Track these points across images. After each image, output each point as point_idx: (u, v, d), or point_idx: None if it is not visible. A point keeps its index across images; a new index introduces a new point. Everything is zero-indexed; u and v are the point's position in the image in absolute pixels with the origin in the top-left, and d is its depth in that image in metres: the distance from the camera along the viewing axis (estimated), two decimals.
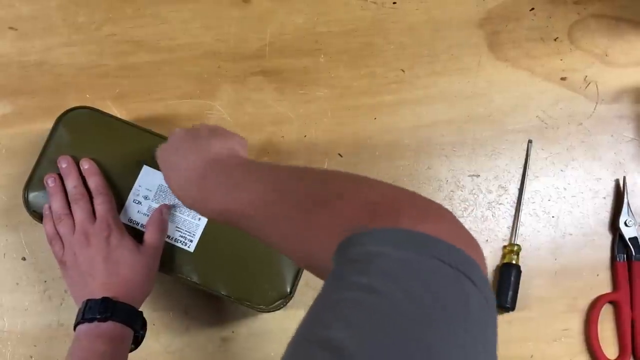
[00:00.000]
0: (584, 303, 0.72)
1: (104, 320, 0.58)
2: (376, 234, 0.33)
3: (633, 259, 0.72)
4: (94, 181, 0.65)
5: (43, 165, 0.67)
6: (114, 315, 0.58)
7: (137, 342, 0.62)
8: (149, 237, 0.64)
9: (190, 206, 0.54)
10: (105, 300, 0.59)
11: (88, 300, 0.59)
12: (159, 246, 0.65)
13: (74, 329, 0.60)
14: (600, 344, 0.70)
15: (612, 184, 0.75)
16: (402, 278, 0.31)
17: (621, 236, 0.73)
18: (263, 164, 0.55)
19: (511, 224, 0.74)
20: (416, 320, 0.29)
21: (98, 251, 0.61)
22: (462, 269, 0.32)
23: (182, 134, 0.59)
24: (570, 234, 0.73)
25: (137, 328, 0.61)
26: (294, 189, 0.44)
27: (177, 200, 0.67)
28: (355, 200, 0.38)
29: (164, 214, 0.66)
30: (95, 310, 0.58)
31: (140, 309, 0.62)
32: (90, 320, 0.58)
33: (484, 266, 0.35)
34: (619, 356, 0.71)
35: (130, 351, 0.61)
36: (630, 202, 0.73)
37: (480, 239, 0.73)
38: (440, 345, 0.28)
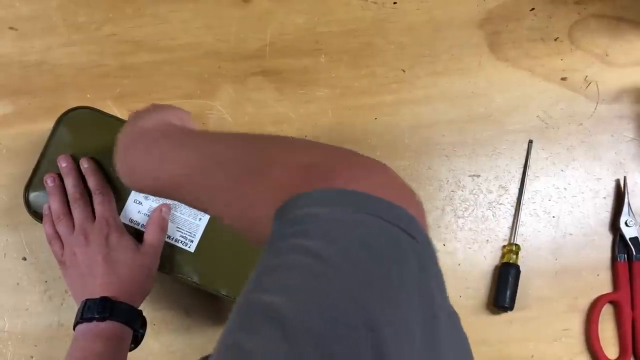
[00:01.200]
0: (585, 303, 0.72)
1: (103, 319, 0.58)
2: (313, 195, 0.33)
3: (633, 258, 0.72)
4: (93, 180, 0.65)
5: (44, 165, 0.67)
6: (113, 314, 0.58)
7: (137, 341, 0.62)
8: (149, 236, 0.64)
9: (128, 184, 0.52)
10: (103, 299, 0.59)
11: (87, 300, 0.59)
12: (158, 245, 0.65)
13: (74, 328, 0.60)
14: (601, 344, 0.70)
15: (613, 184, 0.75)
16: (339, 239, 0.30)
17: (622, 236, 0.72)
18: (197, 133, 0.52)
19: (511, 224, 0.74)
20: (354, 280, 0.29)
21: (97, 251, 0.61)
22: (401, 225, 0.31)
23: (131, 118, 0.58)
24: (571, 234, 0.73)
25: (137, 327, 0.61)
26: (228, 157, 0.42)
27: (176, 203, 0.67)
28: (290, 165, 0.37)
29: (164, 213, 0.66)
30: (94, 309, 0.58)
31: (140, 308, 0.62)
32: (89, 320, 0.58)
33: (423, 220, 0.34)
34: (619, 356, 0.71)
35: (130, 350, 0.61)
36: (630, 202, 0.73)
37: (480, 238, 0.73)
38: (376, 304, 0.28)
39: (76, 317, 0.60)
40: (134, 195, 0.67)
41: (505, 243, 0.73)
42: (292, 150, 0.40)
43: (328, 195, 0.33)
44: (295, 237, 0.31)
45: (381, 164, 0.37)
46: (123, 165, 0.52)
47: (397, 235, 0.31)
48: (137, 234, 0.66)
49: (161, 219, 0.65)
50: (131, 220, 0.66)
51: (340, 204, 0.32)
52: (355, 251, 0.30)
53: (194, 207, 0.45)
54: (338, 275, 0.29)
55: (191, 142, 0.47)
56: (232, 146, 0.44)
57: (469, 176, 0.75)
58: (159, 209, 0.66)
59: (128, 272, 0.61)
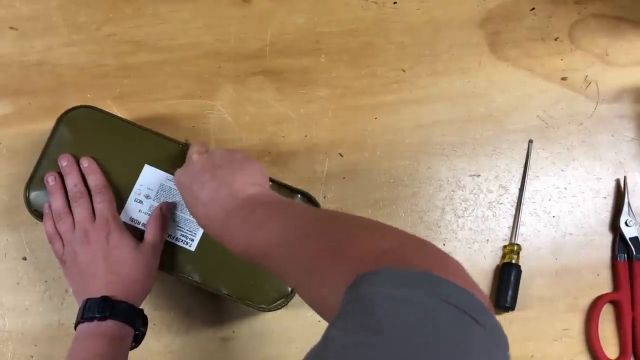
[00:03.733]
0: (585, 303, 0.72)
1: (103, 319, 0.58)
2: (382, 273, 0.33)
3: (634, 258, 0.72)
4: (94, 179, 0.65)
5: (44, 165, 0.67)
6: (113, 314, 0.58)
7: (137, 340, 0.62)
8: (150, 234, 0.64)
9: (216, 238, 0.54)
10: (104, 299, 0.59)
11: (87, 300, 0.59)
12: (159, 244, 0.65)
13: (75, 328, 0.60)
14: (601, 344, 0.70)
15: (613, 184, 0.75)
16: (408, 321, 0.30)
17: (622, 236, 0.73)
18: (289, 203, 0.55)
19: (512, 224, 0.74)
20: None
21: (98, 249, 0.61)
22: (471, 312, 0.31)
23: (202, 162, 0.59)
24: (571, 234, 0.73)
25: (138, 326, 0.61)
26: (315, 231, 0.44)
27: (178, 199, 0.67)
28: (370, 247, 0.38)
29: (165, 212, 0.66)
30: (95, 309, 0.58)
31: (141, 307, 0.62)
32: (90, 320, 0.58)
33: (492, 311, 0.35)
34: (619, 356, 0.71)
35: (131, 349, 0.61)
36: (630, 202, 0.73)
37: (480, 238, 0.73)
38: None
39: (77, 317, 0.60)
40: (134, 194, 0.67)
41: (505, 243, 0.73)
42: (375, 234, 0.40)
43: (399, 273, 0.33)
44: (364, 314, 0.31)
45: (455, 261, 0.37)
46: (214, 223, 0.54)
47: (467, 322, 0.31)
48: (137, 233, 0.66)
49: (162, 217, 0.65)
50: (132, 219, 0.66)
51: (412, 285, 0.32)
52: (426, 334, 0.30)
53: (277, 275, 0.46)
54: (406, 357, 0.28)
55: (284, 212, 0.50)
56: (320, 219, 0.46)
57: (469, 176, 0.75)
58: (159, 206, 0.66)
59: (129, 271, 0.61)
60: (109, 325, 0.58)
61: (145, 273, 0.63)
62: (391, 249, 0.37)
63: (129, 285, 0.61)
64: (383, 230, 0.41)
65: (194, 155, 0.61)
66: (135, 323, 0.60)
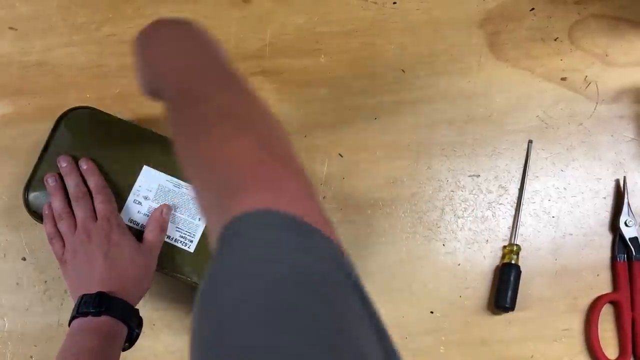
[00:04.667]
0: (584, 303, 0.72)
1: (98, 314, 0.58)
2: (246, 219, 0.34)
3: (633, 259, 0.72)
4: (94, 180, 0.65)
5: (44, 165, 0.67)
6: (109, 310, 0.58)
7: (131, 340, 0.62)
8: (149, 235, 0.64)
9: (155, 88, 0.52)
10: (100, 294, 0.59)
11: (84, 295, 0.59)
12: (158, 245, 0.65)
13: (69, 323, 0.60)
14: (601, 344, 0.70)
15: (613, 184, 0.75)
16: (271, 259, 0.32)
17: (621, 236, 0.72)
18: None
19: (511, 224, 0.74)
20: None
21: (98, 248, 0.61)
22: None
23: (172, 25, 0.57)
24: (571, 234, 0.73)
25: (132, 325, 0.60)
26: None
27: (177, 200, 0.67)
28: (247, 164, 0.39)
29: (164, 214, 0.66)
30: (90, 304, 0.58)
31: (138, 308, 0.62)
32: (85, 315, 0.58)
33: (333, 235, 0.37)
34: (619, 356, 0.71)
35: (124, 350, 0.60)
36: (630, 202, 0.73)
37: (480, 239, 0.73)
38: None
39: (72, 312, 0.60)
40: (133, 196, 0.67)
41: (505, 243, 0.73)
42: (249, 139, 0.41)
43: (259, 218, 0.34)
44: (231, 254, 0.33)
45: (293, 171, 0.39)
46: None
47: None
48: (137, 234, 0.66)
49: (162, 219, 0.65)
50: (131, 220, 0.66)
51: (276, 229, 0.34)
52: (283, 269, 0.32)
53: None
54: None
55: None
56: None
57: (469, 176, 0.75)
58: (160, 208, 0.66)
59: (127, 270, 0.61)
60: (103, 321, 0.58)
61: (143, 273, 0.63)
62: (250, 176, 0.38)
63: (126, 284, 0.61)
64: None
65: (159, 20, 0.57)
66: (130, 321, 0.60)
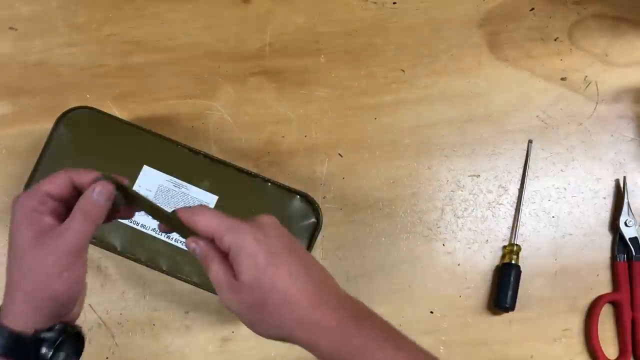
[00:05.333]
0: (584, 303, 0.72)
1: None
2: None
3: (633, 259, 0.72)
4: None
5: (43, 165, 0.67)
6: None
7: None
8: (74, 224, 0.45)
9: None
10: None
11: None
12: (82, 240, 0.45)
13: None
14: (601, 344, 0.70)
15: (612, 184, 0.75)
16: None
17: (621, 236, 0.72)
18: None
19: (511, 224, 0.74)
20: None
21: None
22: None
23: (284, 234, 0.47)
24: (571, 234, 0.73)
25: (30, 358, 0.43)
26: None
27: (176, 200, 0.67)
28: None
29: (97, 195, 0.45)
30: None
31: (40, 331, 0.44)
32: None
33: None
34: (619, 356, 0.71)
35: None
36: (630, 202, 0.73)
37: (480, 239, 0.73)
38: None
39: None
40: None
41: (505, 243, 0.73)
42: None
43: None
44: None
45: None
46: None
47: None
48: (136, 234, 0.66)
49: (91, 204, 0.45)
50: (130, 220, 0.66)
51: None
52: None
53: None
54: None
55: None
56: None
57: (469, 176, 0.75)
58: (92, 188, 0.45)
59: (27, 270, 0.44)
60: None
61: (52, 272, 0.44)
62: None
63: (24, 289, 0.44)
64: None
65: (269, 218, 0.47)
66: (19, 357, 0.43)
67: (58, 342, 0.44)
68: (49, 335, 0.44)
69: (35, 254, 0.43)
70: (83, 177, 0.46)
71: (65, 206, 0.46)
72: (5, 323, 0.43)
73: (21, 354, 0.43)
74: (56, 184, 0.45)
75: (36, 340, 0.44)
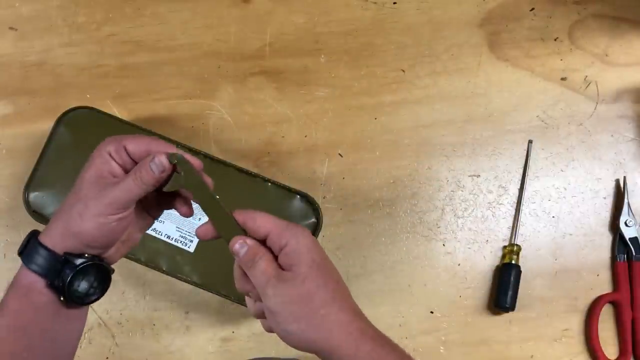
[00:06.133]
0: (584, 303, 0.72)
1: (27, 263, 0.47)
2: None
3: (633, 259, 0.72)
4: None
5: (43, 165, 0.67)
6: (26, 259, 0.48)
7: (70, 292, 0.47)
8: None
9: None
10: (31, 235, 0.49)
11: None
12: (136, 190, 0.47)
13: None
14: (601, 344, 0.70)
15: (613, 184, 0.75)
16: None
17: (621, 236, 0.72)
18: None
19: (511, 224, 0.74)
20: None
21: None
22: None
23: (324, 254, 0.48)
24: (571, 234, 0.73)
25: (52, 278, 0.47)
26: None
27: None
28: None
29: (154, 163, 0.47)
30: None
31: (80, 257, 0.47)
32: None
33: None
34: (619, 356, 0.71)
35: (69, 304, 0.48)
36: (630, 202, 0.73)
37: (480, 239, 0.73)
38: None
39: None
40: None
41: (505, 243, 0.73)
42: None
43: None
44: None
45: None
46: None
47: None
48: None
49: (146, 170, 0.47)
50: None
51: None
52: None
53: None
54: None
55: None
56: None
57: (469, 176, 0.75)
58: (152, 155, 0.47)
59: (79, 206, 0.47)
60: (21, 272, 0.48)
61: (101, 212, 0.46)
62: None
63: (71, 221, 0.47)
64: None
65: (308, 235, 0.47)
66: (48, 275, 0.47)
67: (80, 268, 0.47)
68: (74, 259, 0.47)
69: (87, 191, 0.47)
70: (158, 147, 0.48)
71: (134, 165, 0.49)
72: (41, 239, 0.48)
73: (43, 268, 0.47)
74: (135, 143, 0.48)
75: (63, 261, 0.47)
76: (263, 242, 0.47)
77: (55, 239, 0.47)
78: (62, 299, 0.47)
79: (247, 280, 0.48)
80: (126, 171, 0.48)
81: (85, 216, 0.46)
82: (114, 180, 0.47)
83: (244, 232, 0.47)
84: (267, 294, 0.45)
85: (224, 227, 0.47)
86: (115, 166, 0.48)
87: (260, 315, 0.48)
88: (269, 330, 0.48)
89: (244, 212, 0.48)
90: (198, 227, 0.49)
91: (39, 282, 0.47)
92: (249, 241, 0.47)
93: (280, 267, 0.46)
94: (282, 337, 0.46)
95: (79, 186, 0.47)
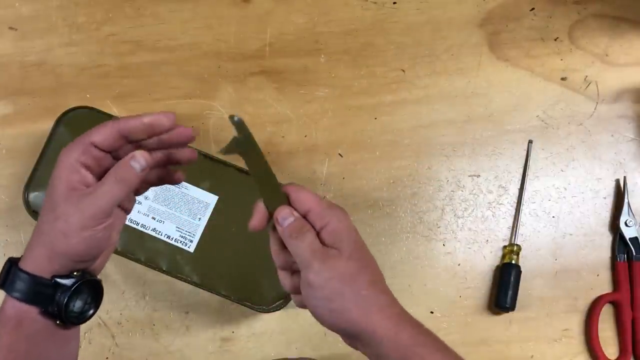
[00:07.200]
0: (585, 303, 0.72)
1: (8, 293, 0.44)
2: None
3: (633, 259, 0.72)
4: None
5: (43, 165, 0.67)
6: (4, 286, 0.45)
7: (64, 316, 0.45)
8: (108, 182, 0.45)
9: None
10: (8, 262, 0.46)
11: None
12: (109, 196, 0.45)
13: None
14: (601, 344, 0.70)
15: (613, 184, 0.75)
16: None
17: (621, 236, 0.72)
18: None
19: (511, 224, 0.73)
20: None
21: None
22: None
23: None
24: (571, 234, 0.73)
25: (45, 305, 0.44)
26: None
27: (177, 200, 0.67)
28: None
29: (133, 160, 0.45)
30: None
31: (65, 277, 0.45)
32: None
33: None
34: (619, 356, 0.71)
35: (65, 325, 0.46)
36: (630, 202, 0.73)
37: (480, 239, 0.73)
38: None
39: None
40: None
41: (505, 243, 0.73)
42: None
43: None
44: None
45: None
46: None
47: None
48: (136, 234, 0.66)
49: (126, 170, 0.44)
50: (131, 220, 0.66)
51: None
52: None
53: None
54: None
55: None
56: None
57: (469, 176, 0.75)
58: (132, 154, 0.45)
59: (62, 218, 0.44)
60: (5, 301, 0.45)
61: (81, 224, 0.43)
62: None
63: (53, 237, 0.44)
64: None
65: (348, 216, 0.47)
66: (37, 302, 0.44)
67: (74, 288, 0.45)
68: (65, 281, 0.45)
69: (64, 208, 0.43)
70: (131, 123, 0.45)
71: (113, 157, 0.46)
72: (23, 266, 0.45)
73: (40, 299, 0.44)
74: (102, 134, 0.45)
75: (53, 285, 0.44)
76: (303, 217, 0.46)
77: (41, 264, 0.44)
78: (57, 322, 0.45)
79: (286, 253, 0.47)
80: (102, 167, 0.46)
81: (70, 234, 0.43)
82: (88, 190, 0.44)
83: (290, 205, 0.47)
84: (313, 267, 0.44)
85: (270, 197, 0.47)
86: (85, 174, 0.45)
87: (296, 291, 0.47)
88: (301, 305, 0.47)
89: (289, 186, 0.47)
90: (251, 221, 0.47)
91: (31, 311, 0.44)
92: (296, 213, 0.46)
93: (323, 243, 0.45)
94: (319, 314, 0.45)
95: (51, 204, 0.44)
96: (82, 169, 0.45)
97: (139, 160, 0.44)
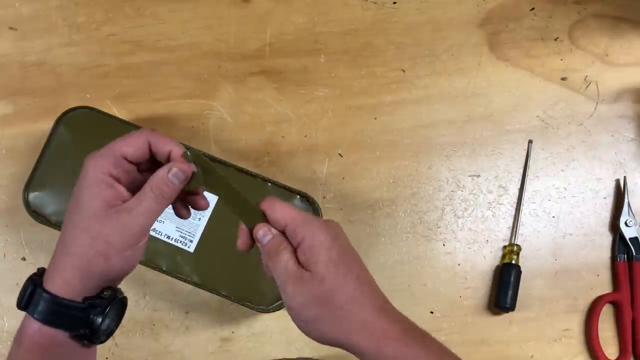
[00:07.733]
0: (585, 303, 0.72)
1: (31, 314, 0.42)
2: None
3: (633, 259, 0.72)
4: None
5: (43, 165, 0.67)
6: (27, 308, 0.43)
7: (95, 337, 0.45)
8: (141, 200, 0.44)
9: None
10: (30, 281, 0.44)
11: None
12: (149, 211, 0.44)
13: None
14: (601, 344, 0.70)
15: (613, 184, 0.75)
16: None
17: (621, 236, 0.72)
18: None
19: (511, 224, 0.73)
20: None
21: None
22: None
23: (348, 240, 0.48)
24: (571, 234, 0.73)
25: (74, 328, 0.43)
26: None
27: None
28: None
29: (172, 175, 0.44)
30: (20, 297, 0.43)
31: (88, 298, 0.44)
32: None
33: None
34: (619, 356, 0.71)
35: (93, 343, 0.46)
36: (630, 202, 0.73)
37: (480, 239, 0.73)
38: None
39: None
40: None
41: (505, 243, 0.73)
42: None
43: None
44: None
45: None
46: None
47: None
48: None
49: (165, 184, 0.44)
50: None
51: None
52: None
53: None
54: None
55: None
56: None
57: (469, 176, 0.75)
58: (168, 168, 0.44)
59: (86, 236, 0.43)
60: (30, 325, 0.43)
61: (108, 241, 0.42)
62: None
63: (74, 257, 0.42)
64: None
65: (337, 225, 0.47)
66: (64, 324, 0.43)
67: (107, 309, 0.44)
68: (98, 302, 0.43)
69: (102, 227, 0.42)
70: (162, 144, 0.44)
71: (139, 169, 0.45)
72: (50, 289, 0.43)
73: (71, 323, 0.43)
74: (134, 146, 0.44)
75: (85, 308, 0.43)
76: (282, 232, 0.45)
77: (73, 286, 0.43)
78: (85, 342, 0.45)
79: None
80: (130, 179, 0.44)
81: (112, 255, 0.42)
82: (125, 207, 0.42)
83: (267, 221, 0.46)
84: (287, 291, 0.44)
85: (247, 217, 0.46)
86: (120, 189, 0.43)
87: None
88: None
89: (264, 202, 0.46)
90: (237, 242, 0.47)
91: (60, 335, 0.43)
92: (274, 230, 0.45)
93: (299, 262, 0.44)
94: (303, 331, 0.46)
95: (83, 222, 0.42)
96: (117, 184, 0.43)
97: (177, 174, 0.43)
